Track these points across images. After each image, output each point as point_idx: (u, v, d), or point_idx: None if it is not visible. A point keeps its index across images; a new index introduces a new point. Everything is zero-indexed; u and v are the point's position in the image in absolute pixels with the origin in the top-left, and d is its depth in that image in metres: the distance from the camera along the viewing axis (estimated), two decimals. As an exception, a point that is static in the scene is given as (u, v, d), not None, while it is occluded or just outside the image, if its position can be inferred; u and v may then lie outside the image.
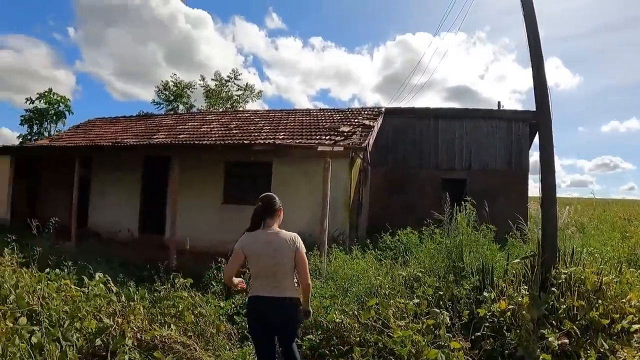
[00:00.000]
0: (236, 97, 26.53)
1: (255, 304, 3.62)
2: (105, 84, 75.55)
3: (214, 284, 7.08)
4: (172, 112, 21.88)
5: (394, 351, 4.25)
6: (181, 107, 24.59)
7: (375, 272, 7.13)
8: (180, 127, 15.17)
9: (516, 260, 6.16)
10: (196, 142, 11.61)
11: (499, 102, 17.03)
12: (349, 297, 5.94)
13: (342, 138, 11.70)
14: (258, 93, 27.64)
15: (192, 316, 5.08)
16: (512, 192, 15.16)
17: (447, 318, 4.50)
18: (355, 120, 13.47)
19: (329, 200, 9.85)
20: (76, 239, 11.05)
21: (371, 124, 13.07)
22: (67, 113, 19.39)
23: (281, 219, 4.00)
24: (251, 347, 4.65)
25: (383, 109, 15.23)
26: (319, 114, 14.89)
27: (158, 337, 4.24)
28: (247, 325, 3.85)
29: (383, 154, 15.61)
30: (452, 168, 16.11)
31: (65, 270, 5.75)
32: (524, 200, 15.40)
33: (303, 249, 3.69)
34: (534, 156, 16.34)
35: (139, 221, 13.06)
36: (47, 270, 5.54)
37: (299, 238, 3.78)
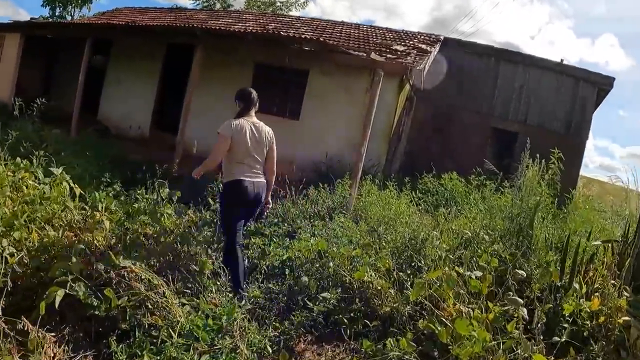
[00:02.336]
0: (279, 4, 24.22)
1: (241, 187, 3.81)
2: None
3: (211, 201, 5.82)
4: (207, 9, 19.97)
5: (447, 346, 2.85)
6: (218, 5, 22.47)
7: (418, 219, 5.75)
8: (213, 22, 13.47)
9: (597, 242, 4.63)
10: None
11: (561, 60, 14.82)
12: (384, 247, 4.54)
13: (395, 57, 9.96)
14: (304, 2, 25.15)
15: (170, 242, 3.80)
16: (566, 159, 13.38)
17: (525, 312, 3.02)
18: (410, 43, 11.63)
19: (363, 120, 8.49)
20: (77, 128, 9.84)
21: (428, 48, 11.24)
22: (92, -3, 17.75)
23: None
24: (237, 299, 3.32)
25: (441, 37, 13.25)
26: (368, 29, 13.00)
27: (115, 267, 2.92)
28: (226, 208, 3.98)
29: (432, 87, 13.77)
30: (505, 118, 14.28)
31: (35, 161, 4.49)
32: (576, 170, 13.67)
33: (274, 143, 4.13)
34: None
35: (152, 117, 11.78)
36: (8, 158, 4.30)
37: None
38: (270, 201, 4.23)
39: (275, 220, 5.57)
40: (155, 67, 11.54)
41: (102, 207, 3.90)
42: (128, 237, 3.85)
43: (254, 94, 4.21)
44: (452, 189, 8.33)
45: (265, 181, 4.01)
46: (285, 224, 5.41)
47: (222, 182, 4.05)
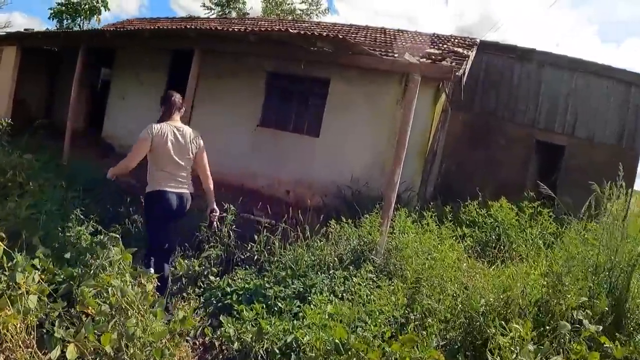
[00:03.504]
0: (300, 12, 23.04)
1: (163, 198, 3.61)
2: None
3: (214, 241, 4.58)
4: (221, 17, 18.96)
5: None
6: (234, 13, 21.43)
7: (468, 266, 4.36)
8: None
9: None
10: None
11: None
12: (430, 326, 3.16)
13: (430, 62, 8.60)
14: (325, 10, 23.92)
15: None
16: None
17: None
18: (444, 46, 10.24)
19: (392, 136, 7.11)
20: (70, 148, 8.77)
21: (465, 52, 9.83)
22: (102, 9, 16.89)
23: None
24: None
25: (477, 40, 11.83)
26: (396, 34, 11.66)
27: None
28: (150, 220, 3.81)
29: (468, 97, 12.32)
30: (551, 130, 12.67)
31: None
32: (630, 186, 11.92)
33: (203, 145, 3.88)
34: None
35: (158, 135, 10.67)
36: None
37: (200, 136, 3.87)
38: (217, 209, 3.99)
39: (282, 273, 4.25)
40: (161, 79, 10.45)
41: (25, 276, 2.67)
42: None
43: (176, 97, 3.89)
44: (503, 220, 6.86)
45: (189, 192, 3.82)
46: (295, 281, 4.09)
47: (146, 191, 3.76)
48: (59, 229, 3.93)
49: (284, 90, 8.85)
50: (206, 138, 8.94)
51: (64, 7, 16.55)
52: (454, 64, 8.59)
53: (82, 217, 4.21)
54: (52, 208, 4.29)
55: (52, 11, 16.73)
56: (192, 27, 7.10)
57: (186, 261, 4.57)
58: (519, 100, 12.69)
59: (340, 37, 5.78)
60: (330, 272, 4.35)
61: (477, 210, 7.20)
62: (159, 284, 3.29)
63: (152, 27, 7.59)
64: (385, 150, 7.90)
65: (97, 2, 17.14)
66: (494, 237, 6.59)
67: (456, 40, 11.24)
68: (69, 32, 9.28)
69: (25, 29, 11.90)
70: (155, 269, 3.53)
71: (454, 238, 5.52)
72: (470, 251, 5.70)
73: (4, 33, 11.86)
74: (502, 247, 6.35)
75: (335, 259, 4.58)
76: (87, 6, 16.66)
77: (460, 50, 9.93)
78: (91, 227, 4.07)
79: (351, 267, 4.48)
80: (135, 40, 8.11)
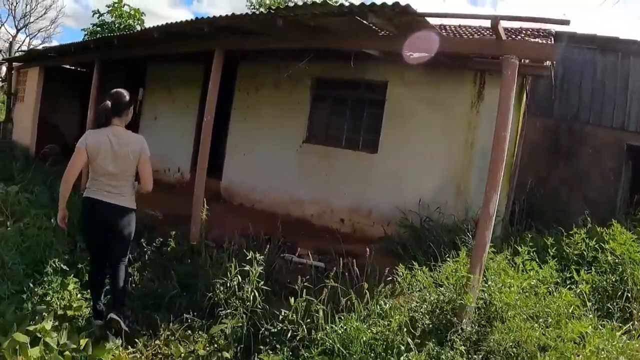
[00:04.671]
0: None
1: (90, 207, 3.41)
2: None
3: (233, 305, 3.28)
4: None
5: None
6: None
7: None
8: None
9: None
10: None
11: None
12: None
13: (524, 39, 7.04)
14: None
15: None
16: None
17: None
18: (518, 38, 8.67)
19: (475, 152, 5.74)
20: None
21: (545, 42, 8.23)
22: (138, 27, 16.22)
23: (129, 119, 3.61)
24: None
25: (553, 31, 10.13)
26: (456, 28, 10.15)
27: None
28: (81, 226, 3.67)
29: (543, 99, 10.58)
30: (645, 132, 10.72)
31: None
32: None
33: (148, 153, 3.51)
34: None
35: (192, 158, 9.60)
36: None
37: (145, 142, 3.52)
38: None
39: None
40: (194, 96, 9.41)
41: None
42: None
43: (119, 96, 3.50)
44: (624, 254, 5.14)
45: (126, 206, 3.45)
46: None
47: None
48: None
49: (333, 99, 7.52)
50: (243, 159, 7.73)
51: (99, 28, 16.02)
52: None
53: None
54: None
55: (86, 32, 16.26)
56: (192, 20, 5.76)
57: (184, 342, 3.24)
58: (605, 100, 10.82)
59: (404, 4, 4.19)
60: (402, 358, 2.91)
61: (586, 240, 5.51)
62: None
63: (165, 24, 6.28)
64: (460, 165, 6.46)
65: (133, 21, 16.57)
66: (613, 279, 4.91)
67: (529, 31, 9.61)
68: (79, 44, 8.31)
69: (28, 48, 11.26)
70: (90, 280, 3.59)
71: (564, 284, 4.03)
72: (587, 303, 4.14)
73: (4, 58, 11.32)
74: (629, 296, 4.71)
75: (407, 337, 3.10)
76: (122, 26, 16.06)
77: (539, 40, 8.35)
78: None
79: (431, 344, 3.04)
80: (144, 44, 6.96)
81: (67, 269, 4.08)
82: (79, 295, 3.81)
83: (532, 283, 3.77)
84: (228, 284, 3.62)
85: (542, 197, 9.44)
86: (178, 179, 9.53)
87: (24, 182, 6.30)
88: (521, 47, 4.52)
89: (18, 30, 29.13)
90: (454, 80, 6.60)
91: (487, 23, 5.41)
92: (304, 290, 3.45)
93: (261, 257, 3.65)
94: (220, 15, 5.34)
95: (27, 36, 30.47)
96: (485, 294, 3.57)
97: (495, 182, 4.10)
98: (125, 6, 16.56)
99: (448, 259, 4.43)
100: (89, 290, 3.72)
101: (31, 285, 3.69)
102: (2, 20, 31.21)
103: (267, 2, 18.11)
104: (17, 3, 31.06)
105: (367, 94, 7.17)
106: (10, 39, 25.87)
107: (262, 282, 3.62)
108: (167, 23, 6.09)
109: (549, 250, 4.68)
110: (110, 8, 16.39)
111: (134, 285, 4.21)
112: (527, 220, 6.98)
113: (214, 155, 8.76)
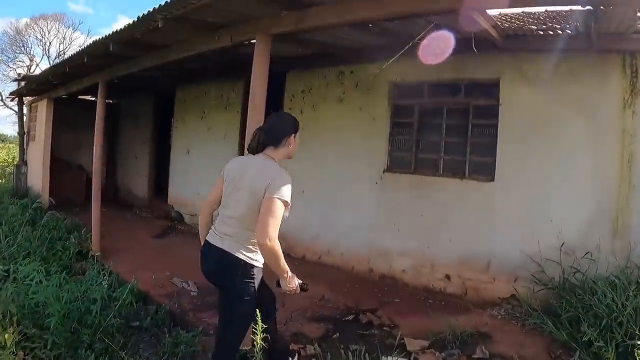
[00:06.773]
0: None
1: (201, 252, 2.48)
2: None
3: None
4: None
5: None
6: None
7: None
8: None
9: None
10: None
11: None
12: None
13: None
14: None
15: None
16: None
17: None
18: None
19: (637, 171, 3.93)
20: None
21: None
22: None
23: (290, 153, 2.60)
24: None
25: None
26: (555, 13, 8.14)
27: None
28: None
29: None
30: None
31: None
32: None
33: (279, 195, 2.18)
34: None
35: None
36: None
37: (286, 175, 2.29)
38: (283, 285, 2.36)
39: None
40: (233, 119, 7.67)
41: None
42: None
43: (282, 118, 2.67)
44: None
45: (233, 252, 2.32)
46: None
47: None
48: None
49: (421, 110, 5.55)
50: (302, 198, 5.90)
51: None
52: None
53: None
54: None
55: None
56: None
57: None
58: None
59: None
60: None
61: None
62: None
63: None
64: (614, 191, 4.42)
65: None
66: None
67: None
68: (69, 59, 6.23)
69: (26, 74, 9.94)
70: None
71: None
72: None
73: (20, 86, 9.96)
74: None
75: None
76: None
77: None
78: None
79: None
80: (148, 47, 5.10)
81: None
82: None
83: None
84: None
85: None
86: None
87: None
88: None
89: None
90: (594, 72, 4.58)
91: None
92: None
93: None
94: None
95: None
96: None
97: None
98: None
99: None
100: None
101: None
102: (37, 61, 31.07)
103: None
104: (50, 43, 30.95)
105: (471, 98, 5.16)
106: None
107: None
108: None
109: None
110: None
111: None
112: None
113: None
